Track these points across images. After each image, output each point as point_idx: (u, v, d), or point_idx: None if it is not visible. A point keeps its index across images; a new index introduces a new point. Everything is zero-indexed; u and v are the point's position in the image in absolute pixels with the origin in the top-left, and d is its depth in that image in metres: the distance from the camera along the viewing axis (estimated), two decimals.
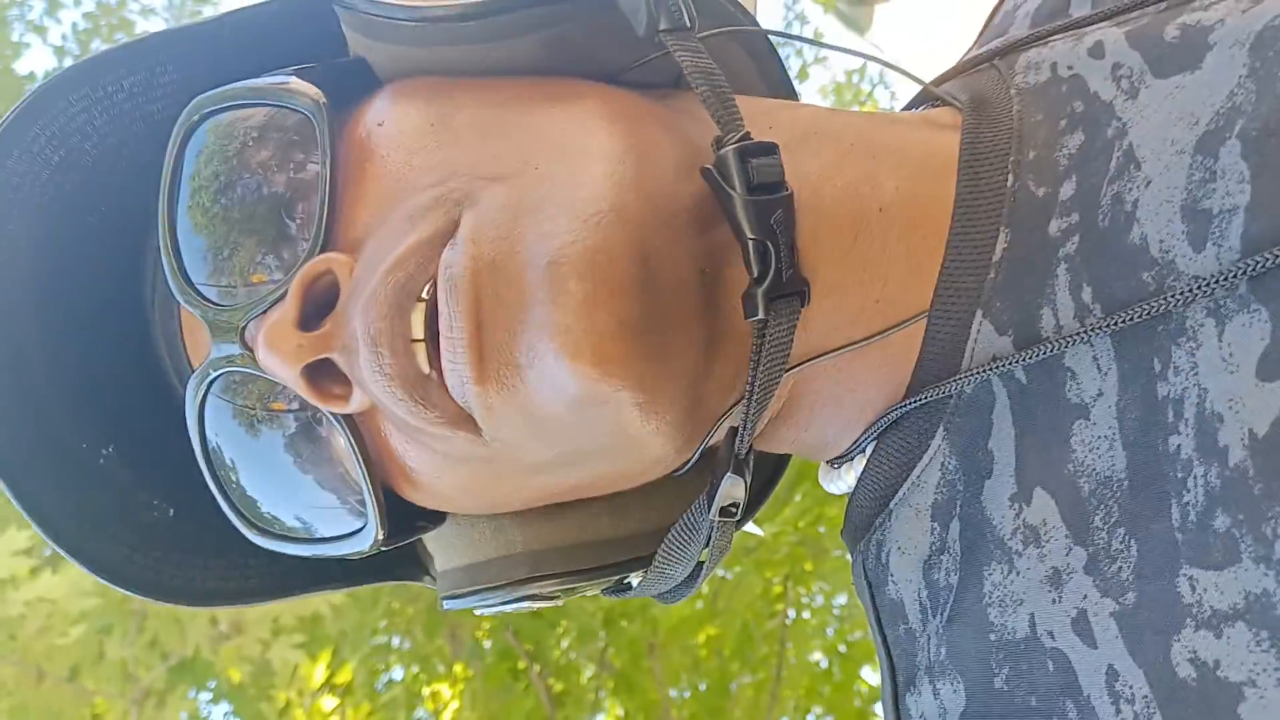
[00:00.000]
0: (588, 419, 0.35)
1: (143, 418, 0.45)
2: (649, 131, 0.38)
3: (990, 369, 0.36)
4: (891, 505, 0.40)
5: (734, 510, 0.40)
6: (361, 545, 0.40)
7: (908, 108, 0.49)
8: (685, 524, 0.41)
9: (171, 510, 0.46)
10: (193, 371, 0.41)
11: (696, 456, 0.40)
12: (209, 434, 0.41)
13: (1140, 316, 0.32)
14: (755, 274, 0.35)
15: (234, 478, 0.41)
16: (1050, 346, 0.34)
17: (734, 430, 0.38)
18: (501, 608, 0.44)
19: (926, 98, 0.47)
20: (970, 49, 0.51)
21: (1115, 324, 0.33)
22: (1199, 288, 0.31)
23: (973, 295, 0.37)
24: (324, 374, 0.36)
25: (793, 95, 0.48)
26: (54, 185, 0.42)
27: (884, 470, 0.40)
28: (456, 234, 0.35)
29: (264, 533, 0.42)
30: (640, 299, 0.34)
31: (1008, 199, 0.37)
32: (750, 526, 0.49)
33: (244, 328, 0.38)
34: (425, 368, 0.35)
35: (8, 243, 0.42)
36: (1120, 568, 0.33)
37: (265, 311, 0.37)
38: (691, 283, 0.36)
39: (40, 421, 0.43)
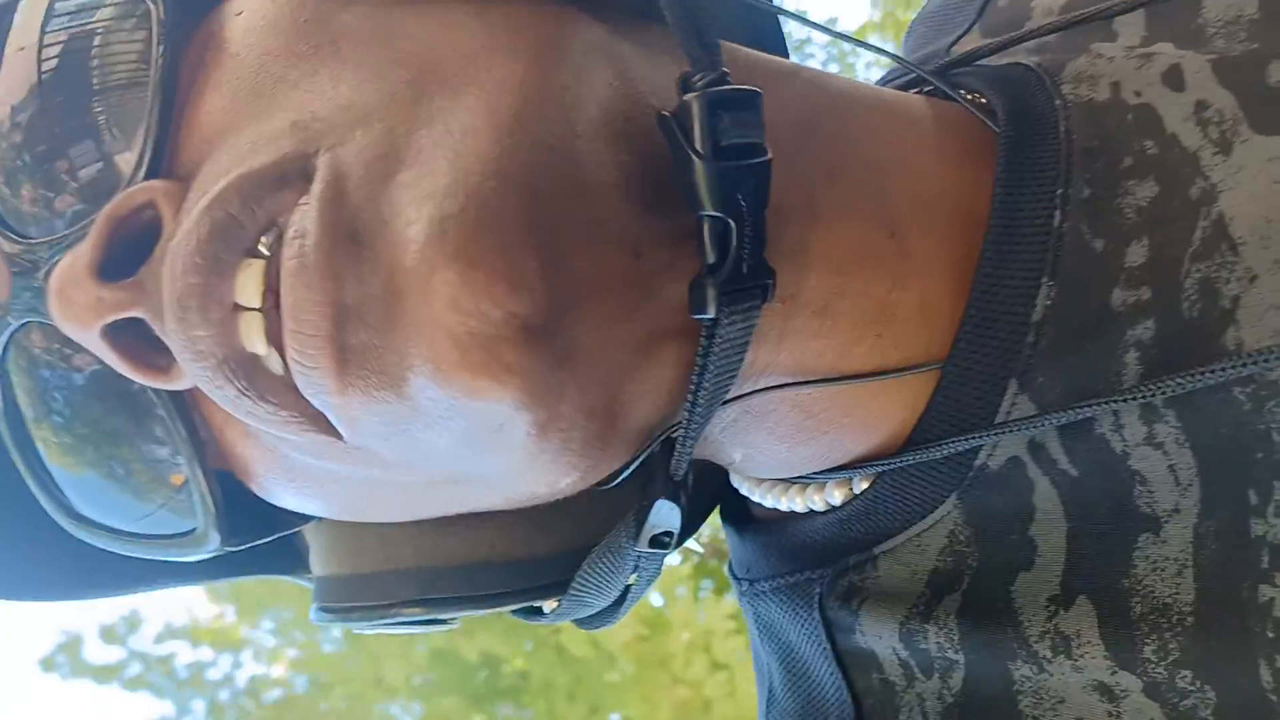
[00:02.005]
0: (478, 439, 0.28)
1: None
2: (585, 62, 0.30)
3: (1030, 454, 0.32)
4: (876, 553, 0.36)
5: (666, 540, 0.34)
6: (196, 552, 0.33)
7: (903, 87, 0.42)
8: (608, 552, 0.35)
9: None
10: None
11: (630, 470, 0.33)
12: (13, 394, 0.33)
13: (1234, 437, 0.29)
14: (710, 261, 0.28)
15: (42, 451, 0.33)
16: (1113, 450, 0.31)
17: (668, 442, 0.32)
18: (384, 629, 0.37)
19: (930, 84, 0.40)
20: (953, 31, 0.45)
21: (1202, 438, 0.30)
22: None
23: (1004, 357, 0.32)
24: (139, 337, 0.28)
25: (784, 45, 0.41)
26: None
27: (870, 519, 0.36)
28: (311, 185, 0.26)
29: (82, 523, 0.34)
30: (544, 290, 0.26)
31: (1053, 240, 0.32)
32: (690, 543, 0.42)
33: (49, 268, 0.30)
34: (258, 346, 0.27)
35: None
36: (1195, 706, 0.30)
37: (69, 248, 0.29)
38: (619, 268, 0.28)
39: None
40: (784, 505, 0.39)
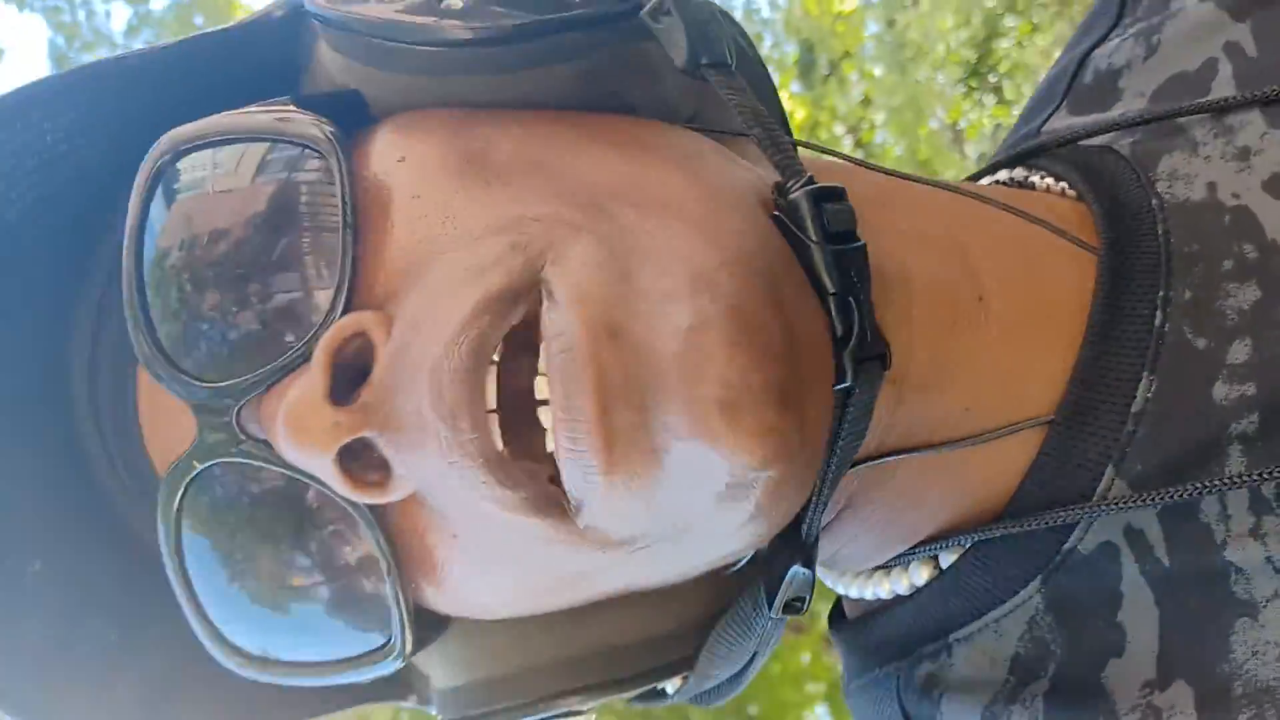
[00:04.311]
0: (715, 497, 0.29)
1: (72, 524, 0.37)
2: (719, 173, 0.33)
3: (1127, 540, 0.32)
4: (951, 639, 0.37)
5: (799, 605, 0.35)
6: (381, 668, 0.34)
7: (980, 175, 0.44)
8: (738, 620, 0.35)
9: (115, 634, 0.37)
10: (154, 469, 0.34)
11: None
12: (184, 540, 0.33)
13: None
14: (839, 333, 0.31)
15: (213, 591, 0.34)
16: (1213, 540, 0.31)
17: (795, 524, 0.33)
18: None
19: (1013, 166, 0.41)
20: (1045, 109, 0.44)
21: None
22: None
23: (1104, 444, 0.33)
24: (355, 459, 0.30)
25: (790, 133, 0.42)
26: None
27: (952, 600, 0.36)
28: (553, 293, 0.29)
29: (250, 660, 0.34)
30: (791, 359, 0.29)
31: (1154, 339, 0.33)
32: None
33: (240, 409, 0.31)
34: (500, 443, 0.29)
35: None
36: None
37: (272, 386, 0.31)
38: (823, 338, 0.31)
39: None
40: (869, 594, 0.39)
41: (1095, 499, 0.33)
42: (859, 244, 0.31)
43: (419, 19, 0.33)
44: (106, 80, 0.35)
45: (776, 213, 0.31)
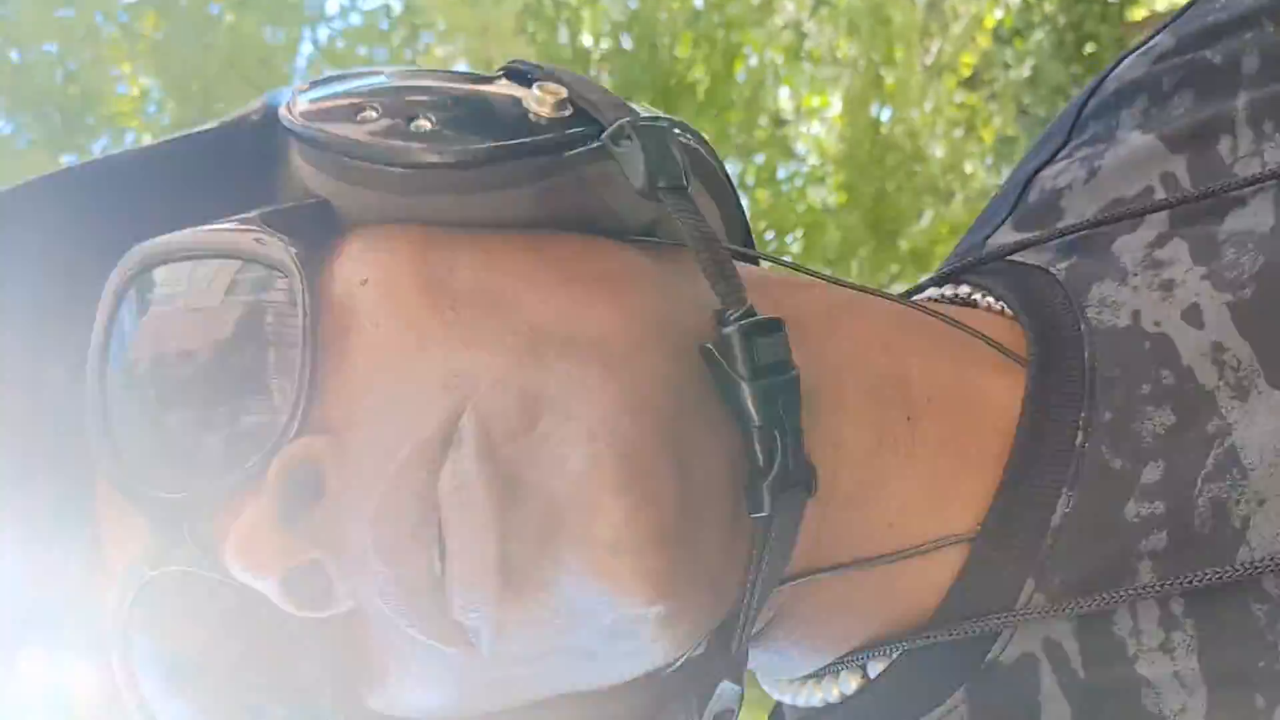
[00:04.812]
0: (607, 629, 0.32)
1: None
2: (653, 304, 0.34)
3: (1045, 651, 0.33)
4: None
5: (728, 718, 0.36)
6: None
7: (924, 286, 0.45)
8: None
9: None
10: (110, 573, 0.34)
11: (684, 655, 0.36)
12: (132, 643, 0.34)
13: (1244, 647, 0.30)
14: (760, 463, 0.32)
15: (160, 692, 0.35)
16: (1125, 654, 0.32)
17: (720, 627, 0.35)
18: None
19: (952, 280, 0.43)
20: (991, 223, 0.46)
21: (1211, 649, 0.31)
22: None
23: (1024, 558, 0.34)
24: (300, 575, 0.31)
25: (753, 243, 0.45)
26: None
27: (881, 709, 0.37)
28: (461, 434, 0.30)
29: None
30: (678, 503, 0.31)
31: (1074, 457, 0.35)
32: None
33: (193, 519, 0.32)
34: (436, 571, 0.30)
35: None
36: None
37: (225, 500, 0.32)
38: (723, 476, 0.32)
39: None
40: (801, 701, 0.40)
41: (1017, 607, 0.34)
42: (790, 375, 0.32)
43: (388, 142, 0.34)
44: (88, 182, 0.36)
45: (709, 344, 0.33)
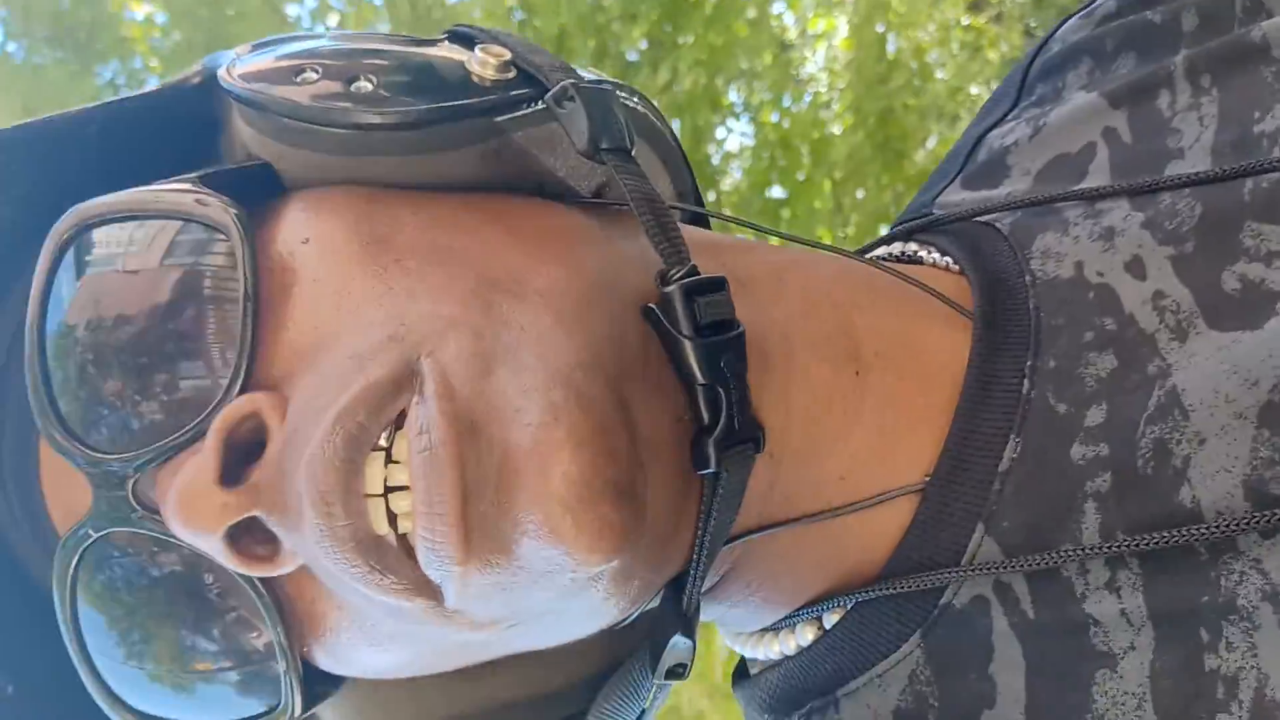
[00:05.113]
0: (565, 587, 0.32)
1: None
2: (599, 263, 0.35)
3: (996, 594, 0.34)
4: (838, 694, 0.38)
5: (681, 670, 0.37)
6: None
7: (874, 246, 0.46)
8: (625, 683, 0.38)
9: (10, 687, 0.37)
10: (57, 533, 0.35)
11: (638, 609, 0.36)
12: (79, 605, 0.34)
13: (1188, 584, 0.31)
14: (706, 421, 0.33)
15: (108, 656, 0.35)
16: (1074, 594, 0.33)
17: (673, 583, 0.35)
18: None
19: (902, 239, 0.44)
20: (940, 183, 0.48)
21: (1156, 586, 0.32)
22: (1259, 575, 0.30)
23: (974, 504, 0.35)
24: (246, 533, 0.31)
25: (702, 204, 0.45)
26: None
27: (837, 657, 0.38)
28: (423, 386, 0.30)
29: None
30: (630, 458, 0.31)
31: (1020, 405, 0.36)
32: None
33: (136, 479, 0.32)
34: (381, 528, 0.30)
35: None
36: None
37: (167, 460, 0.32)
38: (668, 434, 0.33)
39: None
40: (760, 654, 0.41)
41: (967, 556, 0.35)
42: (735, 333, 0.33)
43: (328, 103, 0.34)
44: (29, 142, 0.36)
45: (651, 305, 0.33)
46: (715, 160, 4.84)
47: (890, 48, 4.73)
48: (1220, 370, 0.33)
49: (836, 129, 4.78)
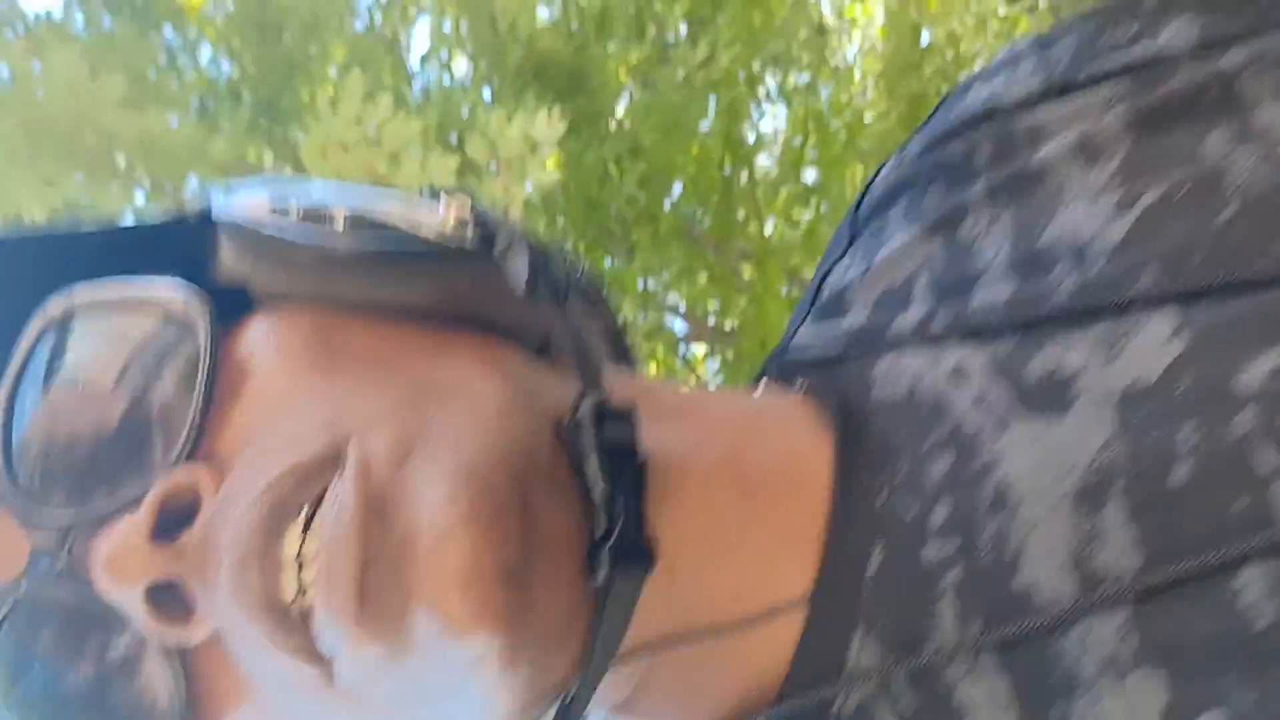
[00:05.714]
0: (452, 667, 0.33)
1: None
2: (525, 385, 0.38)
3: (883, 695, 0.37)
4: None
5: None
6: None
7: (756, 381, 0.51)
8: None
9: None
10: None
11: None
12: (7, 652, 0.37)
13: (1038, 663, 0.34)
14: (601, 533, 0.35)
15: (30, 711, 0.37)
16: (946, 684, 0.36)
17: (564, 708, 0.36)
18: None
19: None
20: (796, 321, 0.52)
21: (1015, 668, 0.35)
22: (1095, 648, 0.33)
23: (848, 613, 0.38)
24: (165, 597, 0.33)
25: (626, 354, 0.49)
26: None
27: None
28: (344, 464, 0.33)
29: None
30: (522, 545, 0.33)
31: (878, 517, 0.39)
32: None
33: (73, 542, 0.35)
34: (288, 595, 0.32)
35: None
36: None
37: (107, 523, 0.34)
38: (565, 536, 0.35)
39: None
40: None
41: (850, 665, 0.37)
42: (636, 454, 0.36)
43: (303, 228, 0.38)
44: (24, 250, 0.41)
45: (562, 422, 0.36)
46: (749, 141, 4.94)
47: (925, 37, 4.81)
48: (1041, 461, 0.36)
49: (869, 115, 4.86)
